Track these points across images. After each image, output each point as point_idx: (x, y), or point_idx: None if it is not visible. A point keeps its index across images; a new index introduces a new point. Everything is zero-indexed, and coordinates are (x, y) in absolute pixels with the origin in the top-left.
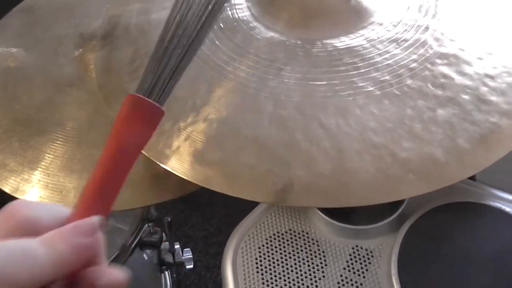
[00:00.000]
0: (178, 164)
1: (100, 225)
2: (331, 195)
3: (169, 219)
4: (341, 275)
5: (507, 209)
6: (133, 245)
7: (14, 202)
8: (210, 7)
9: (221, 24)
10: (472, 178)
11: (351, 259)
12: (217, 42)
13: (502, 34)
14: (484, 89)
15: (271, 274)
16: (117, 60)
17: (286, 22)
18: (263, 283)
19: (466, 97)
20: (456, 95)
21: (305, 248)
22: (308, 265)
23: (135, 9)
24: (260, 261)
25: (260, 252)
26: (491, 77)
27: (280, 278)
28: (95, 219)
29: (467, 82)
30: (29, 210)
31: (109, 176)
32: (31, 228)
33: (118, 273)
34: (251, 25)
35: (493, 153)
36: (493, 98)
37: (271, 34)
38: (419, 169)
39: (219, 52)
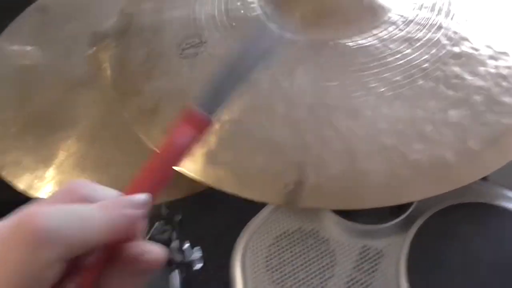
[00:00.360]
0: (190, 164)
1: (148, 202)
2: (342, 197)
3: (180, 218)
4: (350, 275)
5: None
6: None
7: (74, 181)
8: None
9: (233, 23)
10: (484, 178)
11: (360, 259)
12: (229, 42)
13: None
14: (497, 89)
15: (280, 273)
16: (131, 60)
17: (298, 22)
18: (272, 282)
19: (478, 98)
20: (468, 96)
21: (314, 247)
22: (317, 265)
23: (148, 8)
24: (269, 260)
25: (269, 251)
26: (504, 78)
27: (289, 278)
28: (144, 195)
29: (480, 82)
30: (87, 189)
31: (159, 167)
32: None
33: (159, 250)
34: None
35: (505, 155)
36: (506, 99)
37: (283, 34)
38: (429, 171)
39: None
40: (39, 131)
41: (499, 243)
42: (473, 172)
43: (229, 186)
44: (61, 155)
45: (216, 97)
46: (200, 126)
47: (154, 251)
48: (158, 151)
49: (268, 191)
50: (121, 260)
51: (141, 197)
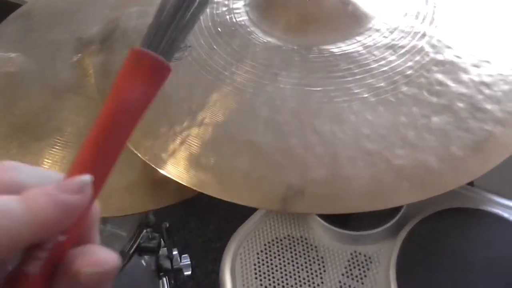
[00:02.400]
0: (173, 168)
1: (87, 184)
2: (325, 202)
3: (167, 225)
4: (339, 281)
5: (505, 214)
6: (131, 251)
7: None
8: None
9: (218, 29)
10: (470, 183)
11: (349, 265)
12: (214, 47)
13: (499, 42)
14: (479, 97)
15: (269, 279)
16: (116, 63)
17: (283, 27)
18: None
19: (461, 104)
20: (451, 103)
21: (304, 254)
22: (307, 271)
23: (134, 12)
24: (259, 266)
25: (258, 257)
26: (487, 85)
27: (278, 284)
28: (84, 176)
29: (463, 89)
30: (16, 172)
31: (106, 136)
32: (16, 192)
33: (108, 258)
34: (248, 29)
35: (487, 161)
36: (489, 106)
37: (268, 39)
38: (412, 176)
39: (216, 56)
40: (24, 139)
41: (486, 247)
42: (456, 178)
43: (212, 189)
44: (46, 163)
45: (169, 35)
46: (156, 74)
47: (102, 260)
48: (105, 112)
49: (251, 195)
50: (66, 270)
51: (79, 178)
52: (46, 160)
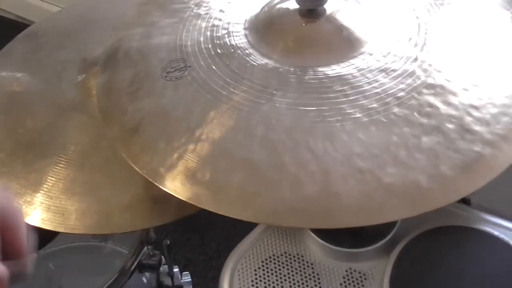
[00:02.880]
0: (170, 182)
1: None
2: (316, 217)
3: (168, 242)
4: None
5: (496, 233)
6: (132, 268)
7: None
8: None
9: (218, 50)
10: (467, 202)
11: (344, 282)
12: (213, 67)
13: (488, 66)
14: (468, 119)
15: None
16: (117, 82)
17: (281, 50)
18: None
19: (450, 126)
20: (441, 124)
21: (300, 271)
22: None
23: (138, 33)
24: (256, 283)
25: (256, 274)
26: (476, 108)
27: None
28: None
29: (452, 111)
30: None
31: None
32: None
33: None
34: (247, 52)
35: (476, 181)
36: (477, 128)
37: (266, 61)
38: (402, 194)
39: (215, 76)
40: (28, 157)
41: (478, 265)
42: (445, 196)
43: (206, 203)
44: (50, 180)
45: None
46: None
47: None
48: None
49: (244, 209)
50: None
51: None
52: (49, 177)
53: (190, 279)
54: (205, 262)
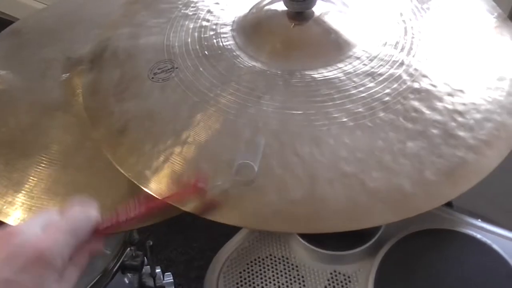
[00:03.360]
0: (155, 185)
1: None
2: (302, 222)
3: (151, 243)
4: None
5: (478, 236)
6: (114, 269)
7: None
8: None
9: (205, 52)
10: (449, 205)
11: (329, 284)
12: (201, 69)
13: (472, 73)
14: (452, 124)
15: None
16: (104, 82)
17: (268, 53)
18: None
19: (435, 131)
20: (426, 129)
21: (285, 273)
22: None
23: (125, 33)
24: (241, 285)
25: (241, 276)
26: (460, 113)
27: None
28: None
29: (437, 117)
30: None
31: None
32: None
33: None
34: (234, 54)
35: (459, 186)
36: (461, 133)
37: (253, 63)
38: (387, 199)
39: (202, 78)
40: (10, 156)
41: (461, 267)
42: (428, 201)
43: (192, 207)
44: (32, 180)
45: None
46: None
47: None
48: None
49: (229, 213)
50: None
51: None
52: (32, 177)
53: (172, 280)
54: (187, 263)
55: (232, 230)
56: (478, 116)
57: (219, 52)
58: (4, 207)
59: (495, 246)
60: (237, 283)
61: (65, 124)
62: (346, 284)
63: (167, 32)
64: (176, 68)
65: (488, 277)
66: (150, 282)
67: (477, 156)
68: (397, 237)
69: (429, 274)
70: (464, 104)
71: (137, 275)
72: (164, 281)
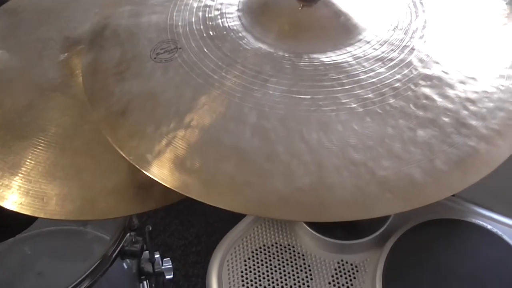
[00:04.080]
0: (157, 170)
1: None
2: (308, 209)
3: (150, 228)
4: None
5: (489, 226)
6: (114, 255)
7: None
8: None
9: (210, 32)
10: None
11: (336, 274)
12: (205, 50)
13: (485, 60)
14: (464, 112)
15: (256, 287)
16: (104, 61)
17: (275, 34)
18: None
19: (446, 119)
20: (437, 117)
21: (291, 262)
22: (294, 279)
23: (126, 11)
24: (246, 274)
25: (246, 265)
26: (472, 102)
27: None
28: None
29: (449, 105)
30: None
31: None
32: None
33: None
34: (240, 35)
35: (470, 176)
36: (473, 122)
37: (259, 45)
38: (396, 188)
39: (207, 59)
40: (6, 137)
41: (469, 257)
42: (439, 191)
43: (195, 193)
44: (29, 163)
45: None
46: None
47: None
48: None
49: (235, 200)
50: None
51: None
52: (29, 160)
53: (171, 265)
54: (184, 248)
55: (230, 216)
56: (490, 105)
57: (224, 33)
58: (0, 190)
59: (505, 237)
60: (242, 272)
61: (63, 105)
62: (353, 273)
63: (170, 11)
64: (180, 48)
65: (498, 268)
66: (149, 267)
67: (489, 146)
68: (406, 227)
69: (438, 264)
70: (476, 92)
71: (136, 261)
72: (163, 267)
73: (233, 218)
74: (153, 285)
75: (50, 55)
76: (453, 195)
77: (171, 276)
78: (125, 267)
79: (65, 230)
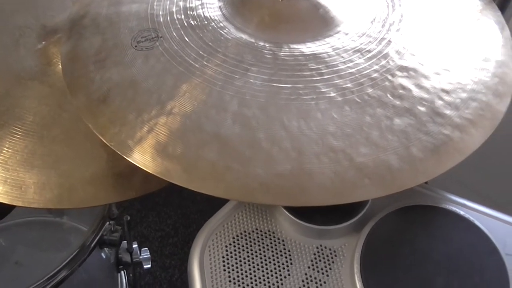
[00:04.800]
0: (139, 156)
1: None
2: (289, 194)
3: (129, 218)
4: (305, 274)
5: (461, 212)
6: (93, 244)
7: None
8: None
9: (191, 22)
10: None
11: (315, 258)
12: (186, 39)
13: (459, 53)
14: (439, 102)
15: (237, 272)
16: (83, 49)
17: (256, 25)
18: (229, 281)
19: (422, 109)
20: (413, 107)
21: (271, 247)
22: (274, 264)
23: (105, 0)
24: (227, 259)
25: (227, 250)
26: (447, 92)
27: (246, 277)
28: None
29: (424, 95)
30: None
31: None
32: None
33: None
34: (221, 25)
35: (444, 163)
36: (447, 111)
37: (240, 35)
38: (374, 174)
39: (188, 48)
40: None
41: (445, 242)
42: (414, 177)
43: (177, 178)
44: (6, 152)
45: None
46: None
47: None
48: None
49: (216, 185)
50: None
51: None
52: (6, 149)
53: (149, 255)
54: (161, 239)
55: (206, 207)
56: (464, 95)
57: (205, 22)
58: None
59: (477, 223)
60: (223, 257)
61: (40, 94)
62: (332, 258)
63: (151, 1)
64: (161, 37)
65: (471, 253)
66: (127, 257)
67: (463, 134)
68: (383, 213)
69: (414, 249)
70: (450, 83)
71: (114, 251)
72: (141, 257)
73: (210, 210)
74: (131, 275)
75: (27, 43)
76: (426, 183)
77: (149, 266)
78: (103, 257)
79: (41, 221)
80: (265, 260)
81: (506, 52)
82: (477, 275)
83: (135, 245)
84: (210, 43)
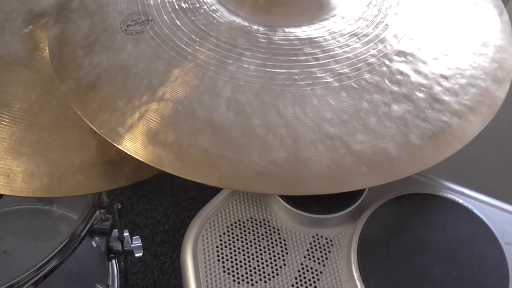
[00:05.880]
0: (130, 143)
1: None
2: (284, 182)
3: (119, 206)
4: (301, 263)
5: (460, 200)
6: (83, 233)
7: None
8: None
9: (183, 5)
10: None
11: (311, 248)
12: (177, 23)
13: (458, 37)
14: (438, 88)
15: (232, 262)
16: (71, 34)
17: (249, 8)
18: (224, 271)
19: (420, 95)
20: (411, 92)
21: (266, 237)
22: (269, 253)
23: None
24: (221, 249)
25: (221, 240)
26: (445, 78)
27: (241, 266)
28: None
29: (422, 80)
30: None
31: None
32: None
33: None
34: (214, 7)
35: (443, 151)
36: (446, 97)
37: (233, 18)
38: (371, 162)
39: (180, 32)
40: None
41: (442, 230)
42: (413, 165)
43: (169, 166)
44: None
45: None
46: None
47: None
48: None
49: (209, 173)
50: None
51: None
52: None
53: (140, 244)
54: (153, 227)
55: (197, 194)
56: (462, 81)
57: (197, 5)
58: None
59: (476, 211)
60: (217, 247)
61: (27, 80)
62: (328, 247)
63: None
64: (151, 20)
65: (470, 241)
66: (118, 246)
67: (461, 121)
68: (380, 201)
69: (412, 238)
70: (449, 68)
71: (105, 239)
72: (132, 245)
73: (202, 197)
74: (122, 263)
75: (13, 27)
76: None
77: (140, 254)
78: (94, 245)
79: (30, 209)
80: (260, 250)
81: (504, 37)
82: (476, 264)
83: (126, 234)
84: (202, 27)
